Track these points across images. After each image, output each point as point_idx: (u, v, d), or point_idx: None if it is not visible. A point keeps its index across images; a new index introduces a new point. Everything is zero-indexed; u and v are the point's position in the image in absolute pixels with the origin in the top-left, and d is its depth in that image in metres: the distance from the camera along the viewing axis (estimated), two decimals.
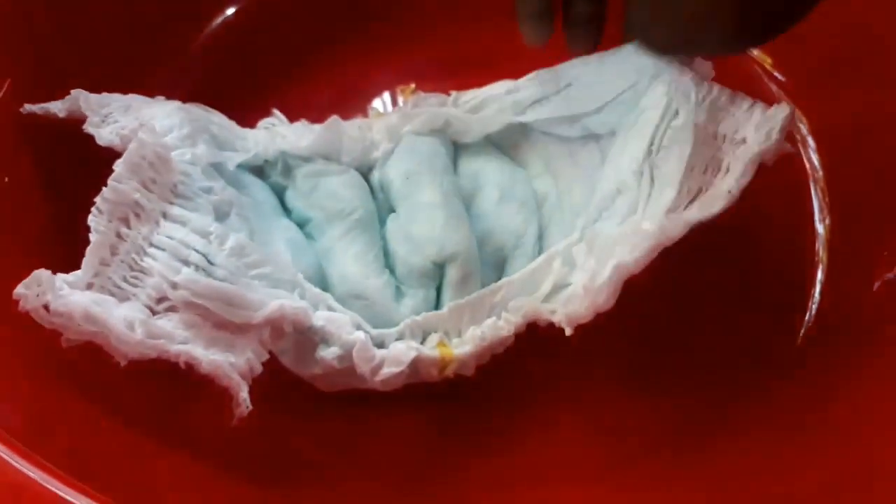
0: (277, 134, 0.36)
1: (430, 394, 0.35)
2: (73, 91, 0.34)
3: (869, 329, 0.36)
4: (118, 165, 0.29)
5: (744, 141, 0.31)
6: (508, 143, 0.38)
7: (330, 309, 0.32)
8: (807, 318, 0.38)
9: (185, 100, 0.36)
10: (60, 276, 0.27)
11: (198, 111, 0.35)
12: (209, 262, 0.30)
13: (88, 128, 0.32)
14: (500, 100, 0.37)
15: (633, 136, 0.33)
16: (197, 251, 0.30)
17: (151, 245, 0.29)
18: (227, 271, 0.30)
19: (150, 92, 0.36)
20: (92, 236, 0.28)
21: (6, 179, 0.34)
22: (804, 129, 0.42)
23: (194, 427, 0.34)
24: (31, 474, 0.25)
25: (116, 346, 0.27)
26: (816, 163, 0.41)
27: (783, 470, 0.33)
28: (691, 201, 0.32)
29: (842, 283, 0.38)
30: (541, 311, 0.33)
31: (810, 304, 0.39)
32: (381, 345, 0.33)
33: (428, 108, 0.37)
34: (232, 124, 0.36)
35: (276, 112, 0.38)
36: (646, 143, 0.33)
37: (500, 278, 0.35)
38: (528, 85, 0.37)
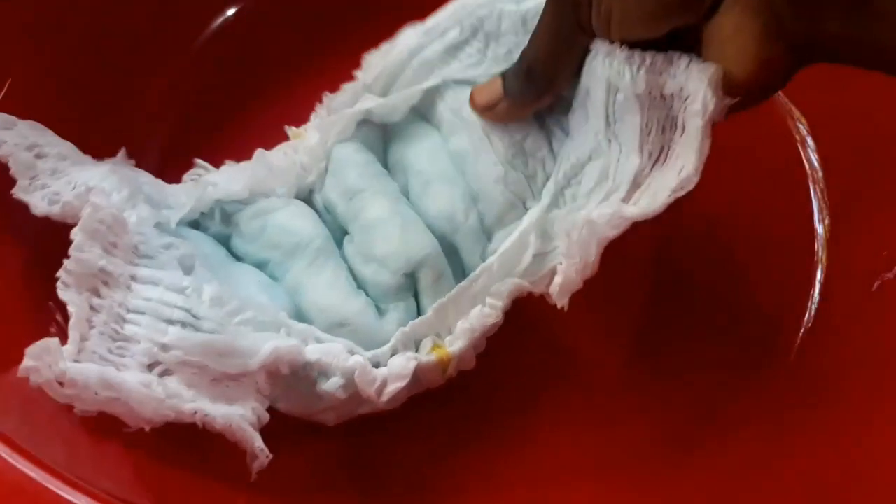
0: (208, 183, 0.35)
1: (427, 398, 0.35)
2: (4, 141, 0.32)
3: (868, 328, 0.36)
4: (76, 234, 0.28)
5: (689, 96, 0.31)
6: (425, 103, 0.36)
7: (318, 341, 0.32)
8: (806, 317, 0.38)
9: (186, 100, 0.36)
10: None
11: (127, 171, 0.33)
12: (194, 316, 0.29)
13: (18, 193, 0.31)
14: (409, 67, 0.36)
15: (591, 111, 0.33)
16: (179, 308, 0.29)
17: (129, 311, 0.28)
18: (213, 323, 0.29)
19: (152, 92, 0.36)
20: (71, 310, 0.28)
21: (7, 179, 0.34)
22: (804, 129, 0.42)
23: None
24: (31, 474, 0.25)
25: (137, 410, 0.26)
26: (816, 163, 0.41)
27: (783, 469, 0.33)
28: (656, 161, 0.31)
29: (841, 282, 0.38)
30: (524, 287, 0.33)
31: (810, 303, 0.39)
32: (377, 365, 0.32)
33: (341, 108, 0.36)
34: (159, 182, 0.35)
35: (199, 161, 0.37)
36: (602, 117, 0.32)
37: (464, 261, 0.34)
38: (434, 32, 0.35)
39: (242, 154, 0.37)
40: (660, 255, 0.32)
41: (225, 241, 0.35)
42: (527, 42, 0.32)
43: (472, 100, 0.34)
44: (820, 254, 0.40)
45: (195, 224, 0.35)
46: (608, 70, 0.31)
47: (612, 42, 0.31)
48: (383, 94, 0.36)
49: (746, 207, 0.40)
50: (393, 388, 0.31)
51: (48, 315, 0.33)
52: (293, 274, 0.34)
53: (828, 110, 0.41)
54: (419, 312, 0.34)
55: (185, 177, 0.36)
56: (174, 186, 0.35)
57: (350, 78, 0.37)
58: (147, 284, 0.29)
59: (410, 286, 0.34)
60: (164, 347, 0.28)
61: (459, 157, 0.35)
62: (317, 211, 0.36)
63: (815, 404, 0.35)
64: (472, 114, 0.35)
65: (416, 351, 0.33)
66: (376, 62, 0.36)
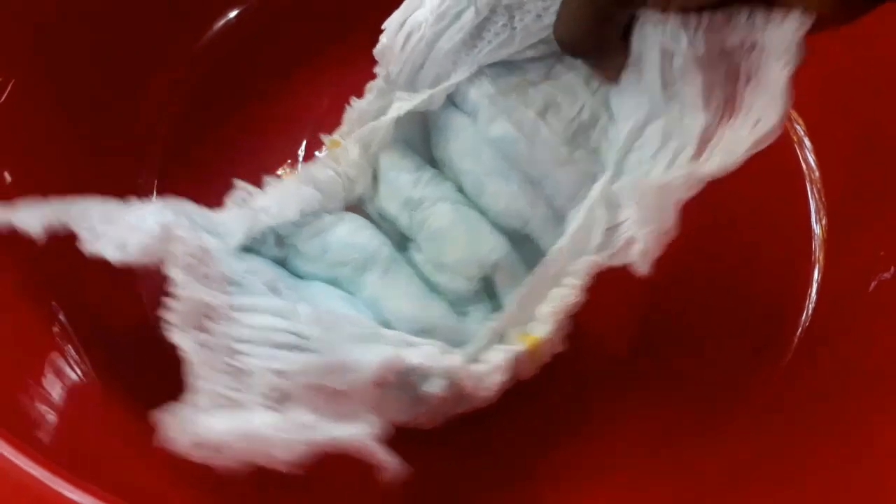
0: (259, 211, 0.33)
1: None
2: (49, 207, 0.30)
3: (865, 329, 0.36)
4: (174, 272, 0.28)
5: (754, 46, 0.29)
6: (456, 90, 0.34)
7: (411, 345, 0.31)
8: (803, 318, 0.38)
9: (188, 101, 0.35)
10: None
11: (174, 203, 0.32)
12: (300, 337, 0.28)
13: (87, 248, 0.29)
14: (430, 59, 0.33)
15: (645, 71, 0.31)
16: (284, 331, 0.28)
17: (237, 341, 0.27)
18: (319, 341, 0.28)
19: (153, 94, 0.36)
20: (188, 355, 0.27)
21: (8, 179, 0.35)
22: (801, 130, 0.42)
23: None
24: (33, 473, 0.25)
25: (279, 456, 0.26)
26: (813, 163, 0.42)
27: (781, 469, 0.33)
28: (722, 116, 0.30)
29: (838, 283, 0.38)
30: (601, 263, 0.31)
31: (807, 304, 0.39)
32: (471, 362, 0.32)
33: (372, 109, 0.35)
34: (205, 210, 0.34)
35: (240, 183, 0.35)
36: (657, 80, 0.31)
37: (542, 247, 0.33)
38: (446, 17, 0.33)
39: (243, 154, 0.37)
40: (657, 256, 0.32)
41: (280, 264, 0.34)
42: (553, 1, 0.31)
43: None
44: (817, 254, 0.40)
45: (245, 249, 0.34)
46: (661, 35, 0.30)
47: (664, 11, 0.29)
48: (409, 87, 0.34)
49: (744, 208, 0.40)
50: (495, 381, 0.31)
51: (51, 315, 0.34)
52: (368, 288, 0.33)
53: (825, 111, 0.41)
54: (496, 306, 0.34)
55: (229, 201, 0.35)
56: (221, 213, 0.33)
57: (352, 79, 0.36)
58: (247, 312, 0.28)
59: (487, 286, 0.34)
60: (281, 374, 0.27)
61: (504, 143, 0.33)
62: (370, 219, 0.35)
63: (813, 404, 0.35)
64: (515, 96, 0.33)
65: (504, 343, 0.32)
66: (396, 56, 0.34)
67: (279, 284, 0.31)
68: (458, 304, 0.34)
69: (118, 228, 0.30)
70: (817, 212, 0.41)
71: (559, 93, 0.33)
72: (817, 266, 0.39)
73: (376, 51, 0.34)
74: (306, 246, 0.34)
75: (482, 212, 0.34)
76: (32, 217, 0.29)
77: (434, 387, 0.30)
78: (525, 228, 0.34)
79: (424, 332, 0.32)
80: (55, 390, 0.32)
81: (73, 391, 0.32)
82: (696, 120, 0.30)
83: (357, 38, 0.37)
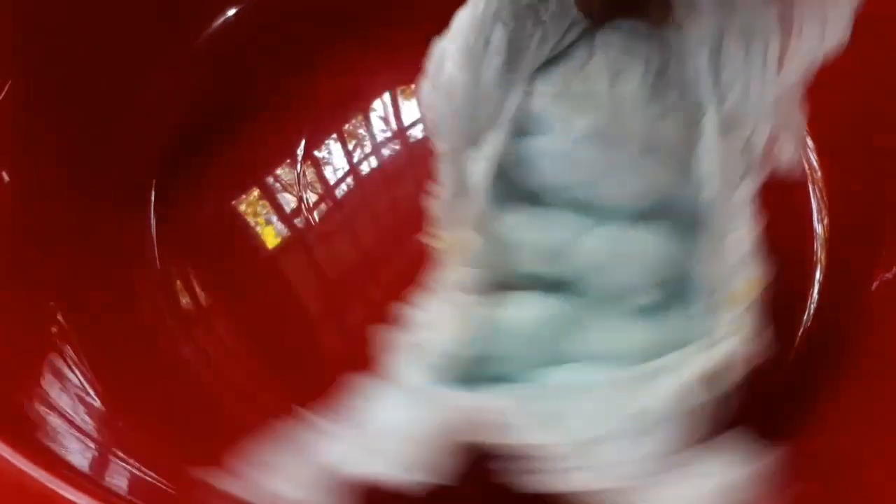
0: (427, 345, 0.31)
1: None
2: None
3: (867, 329, 0.36)
4: (491, 442, 0.28)
5: None
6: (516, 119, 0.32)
7: (665, 369, 0.30)
8: (805, 317, 0.38)
9: (187, 100, 0.35)
10: None
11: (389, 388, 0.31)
12: (590, 421, 0.28)
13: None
14: (479, 100, 0.31)
15: (703, 24, 0.30)
16: (569, 448, 0.28)
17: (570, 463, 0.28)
18: (597, 420, 0.28)
19: (152, 93, 0.36)
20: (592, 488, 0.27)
21: (6, 179, 0.34)
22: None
23: None
24: (33, 473, 0.25)
25: None
26: (815, 163, 0.42)
27: (783, 468, 0.33)
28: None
29: (840, 283, 0.38)
30: (755, 188, 0.30)
31: (808, 303, 0.39)
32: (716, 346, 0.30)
33: (453, 188, 0.32)
34: (395, 377, 0.31)
35: (392, 329, 0.32)
36: (713, 17, 0.29)
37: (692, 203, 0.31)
38: (476, 50, 0.30)
39: (242, 153, 0.37)
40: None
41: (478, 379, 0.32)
42: None
43: None
44: (819, 254, 0.40)
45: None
46: None
47: None
48: (473, 142, 0.31)
49: None
50: (756, 342, 0.30)
51: (49, 314, 0.34)
52: (572, 349, 0.31)
53: (826, 110, 0.41)
54: (691, 290, 0.32)
55: (391, 354, 0.32)
56: (399, 372, 0.31)
57: (352, 78, 0.36)
58: (537, 441, 0.28)
59: (668, 279, 0.32)
60: (615, 465, 0.28)
61: (594, 135, 0.31)
62: (516, 288, 0.32)
63: (815, 404, 0.35)
64: (577, 82, 0.31)
65: (727, 314, 0.30)
66: (447, 122, 0.31)
67: (518, 393, 0.30)
68: (657, 313, 0.32)
69: (360, 442, 0.29)
70: (819, 211, 0.41)
71: (616, 57, 0.31)
72: (819, 266, 0.39)
73: (428, 130, 0.32)
74: (485, 349, 0.31)
75: (609, 214, 0.32)
76: (293, 490, 0.28)
77: (713, 388, 0.29)
78: (659, 202, 0.31)
79: (654, 356, 0.30)
80: (54, 391, 0.32)
81: (71, 392, 0.32)
82: (774, 45, 0.29)
83: (357, 39, 0.37)
